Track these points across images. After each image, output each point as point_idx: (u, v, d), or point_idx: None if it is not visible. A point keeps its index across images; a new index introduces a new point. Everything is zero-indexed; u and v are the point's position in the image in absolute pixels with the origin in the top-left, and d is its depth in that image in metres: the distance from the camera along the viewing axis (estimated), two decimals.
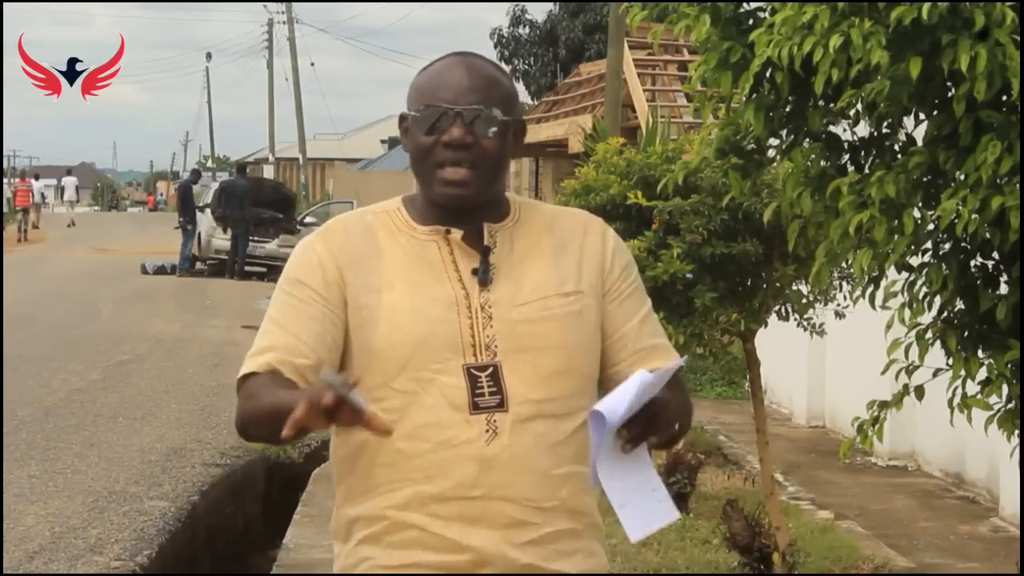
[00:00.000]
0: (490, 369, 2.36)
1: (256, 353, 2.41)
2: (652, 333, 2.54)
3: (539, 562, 2.38)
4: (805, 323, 6.33)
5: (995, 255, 4.00)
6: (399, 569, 2.37)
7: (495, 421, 2.35)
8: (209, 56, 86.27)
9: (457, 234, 2.42)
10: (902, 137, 4.09)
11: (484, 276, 2.41)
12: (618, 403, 2.23)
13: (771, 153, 4.43)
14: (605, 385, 2.52)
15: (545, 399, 2.38)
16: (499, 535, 2.35)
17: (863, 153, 4.16)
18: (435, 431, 2.35)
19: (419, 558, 2.36)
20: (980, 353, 3.96)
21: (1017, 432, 3.98)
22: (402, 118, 2.48)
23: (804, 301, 6.18)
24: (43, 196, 47.25)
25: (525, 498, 2.36)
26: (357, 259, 2.42)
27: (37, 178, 49.84)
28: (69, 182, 50.92)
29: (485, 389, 2.35)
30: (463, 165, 2.39)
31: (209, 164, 74.76)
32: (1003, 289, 3.97)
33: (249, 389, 2.37)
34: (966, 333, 4.02)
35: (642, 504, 2.30)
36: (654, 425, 2.28)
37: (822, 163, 4.17)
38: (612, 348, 2.50)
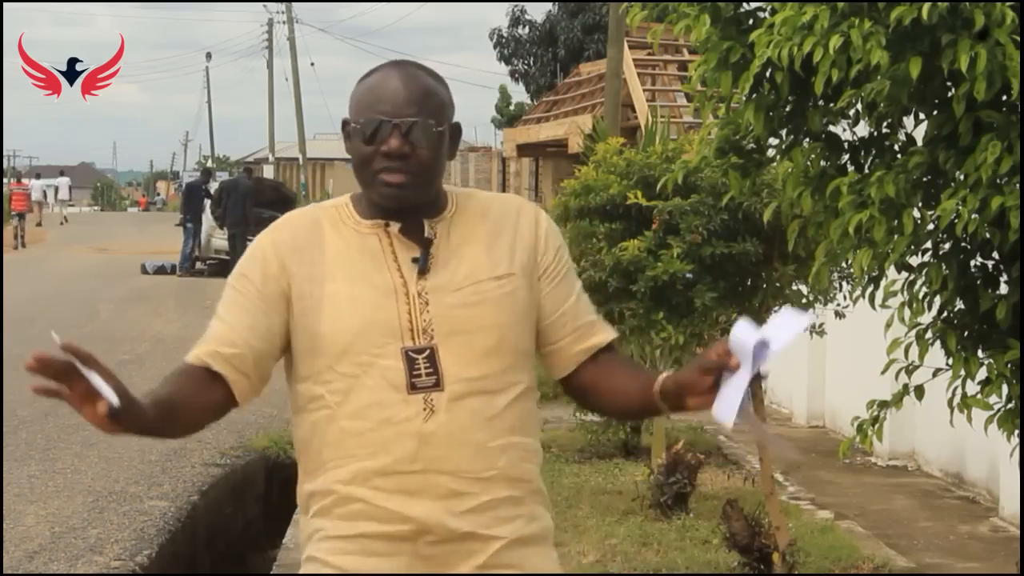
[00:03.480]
0: (427, 352, 2.52)
1: (200, 342, 2.61)
2: (587, 310, 2.71)
3: (478, 529, 2.52)
4: None
5: (995, 255, 4.00)
6: (347, 538, 2.53)
7: (432, 400, 2.50)
8: (209, 56, 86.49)
9: (395, 227, 2.58)
10: (902, 137, 4.09)
11: (424, 265, 2.56)
12: (783, 335, 2.36)
13: (771, 153, 4.43)
14: (547, 361, 2.70)
15: (479, 376, 2.53)
16: (439, 505, 2.50)
17: (863, 153, 4.17)
18: (376, 410, 2.50)
19: (364, 528, 2.52)
20: (980, 353, 3.96)
21: (1017, 432, 3.98)
22: (344, 124, 2.62)
23: (804, 301, 6.18)
24: (44, 195, 47.16)
25: (462, 470, 2.51)
26: (302, 251, 2.58)
27: (39, 177, 49.82)
28: (62, 182, 51.28)
29: (422, 370, 2.51)
30: (400, 172, 2.54)
31: (209, 164, 74.74)
32: (1003, 289, 3.97)
33: (166, 375, 2.59)
34: (966, 333, 4.02)
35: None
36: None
37: (822, 163, 4.17)
38: (553, 327, 2.66)
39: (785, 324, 2.40)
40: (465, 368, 2.52)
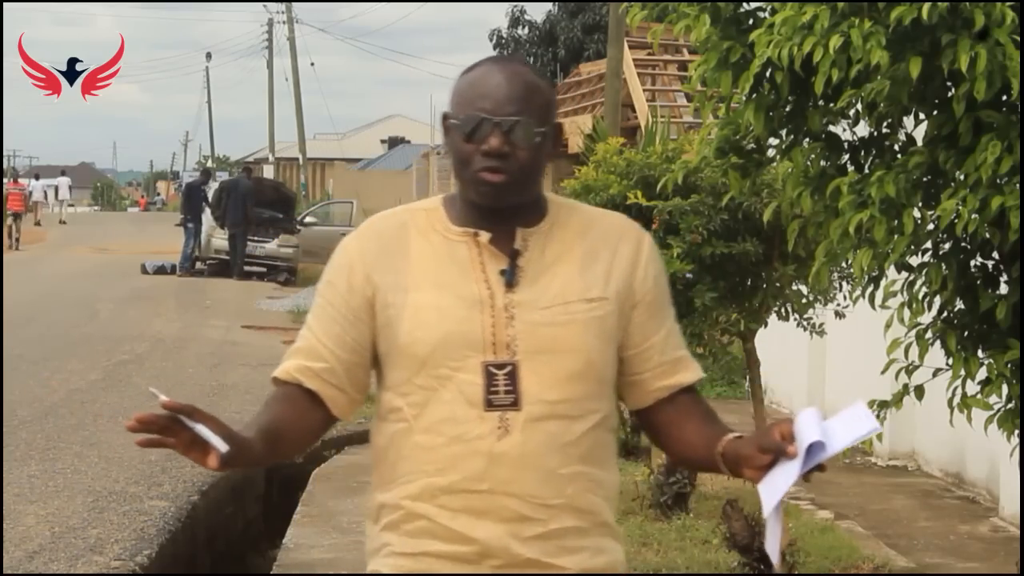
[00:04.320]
0: (508, 368, 2.44)
1: (289, 354, 2.58)
2: (677, 345, 2.61)
3: (542, 557, 2.45)
4: (805, 323, 6.34)
5: (995, 255, 4.00)
6: (411, 556, 2.49)
7: (507, 419, 2.43)
8: (209, 56, 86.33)
9: (485, 236, 2.50)
10: (902, 137, 4.09)
11: (511, 278, 2.48)
12: (845, 436, 2.37)
13: (771, 153, 4.43)
14: (623, 392, 2.60)
15: (559, 400, 2.45)
16: (504, 529, 2.43)
17: (863, 153, 4.17)
18: (450, 426, 2.44)
19: (428, 547, 2.46)
20: (980, 353, 3.96)
21: (1017, 432, 3.98)
22: (444, 117, 2.55)
23: (804, 301, 6.18)
24: (44, 195, 47.13)
25: (530, 495, 2.43)
26: (386, 259, 2.52)
27: (38, 177, 49.78)
28: (62, 182, 51.39)
29: (501, 387, 2.44)
30: (500, 172, 2.46)
31: (209, 164, 74.81)
32: (1003, 289, 3.97)
33: (266, 400, 2.58)
34: (966, 333, 4.02)
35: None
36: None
37: (822, 163, 4.17)
38: (638, 358, 2.57)
39: (852, 422, 2.38)
40: (546, 390, 2.44)
